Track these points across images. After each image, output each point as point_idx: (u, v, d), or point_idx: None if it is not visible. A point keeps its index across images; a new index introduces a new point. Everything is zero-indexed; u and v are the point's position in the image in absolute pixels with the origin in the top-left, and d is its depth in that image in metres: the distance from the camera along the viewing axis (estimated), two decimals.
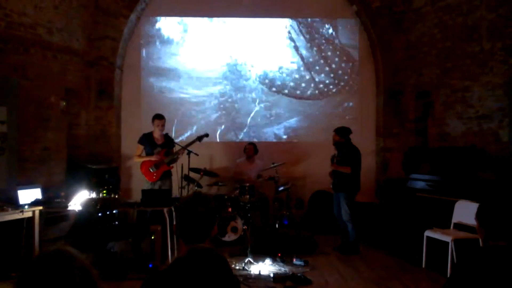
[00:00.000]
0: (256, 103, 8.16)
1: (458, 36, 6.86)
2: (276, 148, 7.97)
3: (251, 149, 7.34)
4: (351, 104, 8.17)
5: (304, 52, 8.16)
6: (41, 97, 6.39)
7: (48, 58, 6.48)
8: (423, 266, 5.45)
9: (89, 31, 7.25)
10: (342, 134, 6.31)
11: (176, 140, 6.79)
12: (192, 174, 6.64)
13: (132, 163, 7.51)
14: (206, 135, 6.43)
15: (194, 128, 7.89)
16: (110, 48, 7.50)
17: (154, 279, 1.81)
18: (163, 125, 6.24)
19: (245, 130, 8.11)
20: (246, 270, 5.25)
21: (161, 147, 6.23)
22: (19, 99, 6.05)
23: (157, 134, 6.28)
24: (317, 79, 8.15)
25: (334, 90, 8.17)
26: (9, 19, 5.87)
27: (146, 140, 6.28)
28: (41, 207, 5.31)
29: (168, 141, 6.36)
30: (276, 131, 8.15)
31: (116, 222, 5.72)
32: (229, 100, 8.14)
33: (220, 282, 1.47)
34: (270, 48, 8.16)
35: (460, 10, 6.81)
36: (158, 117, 6.25)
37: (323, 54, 8.15)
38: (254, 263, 5.41)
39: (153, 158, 6.12)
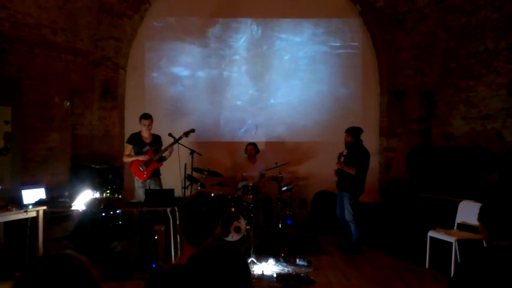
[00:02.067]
0: (259, 104, 8.17)
1: (462, 35, 6.84)
2: (279, 148, 7.96)
3: (252, 149, 7.35)
4: (354, 104, 8.15)
5: (307, 52, 8.15)
6: (45, 97, 6.41)
7: (52, 58, 6.50)
8: (427, 266, 5.44)
9: (93, 32, 7.26)
10: (354, 134, 6.27)
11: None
12: (196, 174, 6.65)
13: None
14: (193, 131, 6.45)
15: (197, 128, 7.87)
16: (114, 48, 7.53)
17: (167, 276, 1.82)
18: (149, 125, 6.28)
19: (248, 130, 8.10)
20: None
21: (150, 146, 6.28)
22: (23, 99, 6.07)
23: (145, 133, 6.33)
24: (320, 79, 8.14)
25: (337, 90, 8.15)
26: (14, 19, 5.88)
27: (134, 139, 6.35)
28: (45, 207, 5.34)
29: (157, 139, 6.40)
30: (280, 131, 8.15)
31: (120, 222, 5.73)
32: (232, 101, 8.14)
33: (238, 277, 1.49)
34: (272, 47, 8.16)
35: (464, 9, 6.79)
36: (144, 117, 6.30)
37: (326, 53, 8.14)
38: (257, 263, 5.41)
39: (140, 158, 6.17)
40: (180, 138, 6.29)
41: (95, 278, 1.32)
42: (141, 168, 6.16)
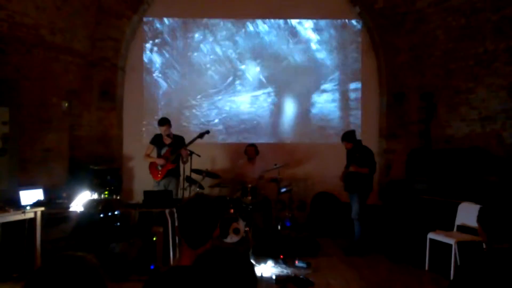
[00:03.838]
0: (259, 105, 8.13)
1: (462, 37, 6.83)
2: (279, 149, 7.93)
3: (252, 151, 7.30)
4: (353, 105, 8.13)
5: (305, 53, 8.13)
6: (43, 98, 6.40)
7: (50, 59, 6.49)
8: (426, 268, 5.42)
9: (91, 32, 7.24)
10: (352, 139, 6.30)
11: None
12: (194, 176, 6.64)
13: (134, 164, 7.65)
14: (207, 132, 6.51)
15: (196, 129, 7.84)
16: (112, 49, 7.51)
17: (165, 278, 1.79)
18: (166, 130, 6.40)
19: (247, 132, 8.07)
20: None
21: (168, 147, 6.38)
22: (21, 100, 6.06)
23: (164, 135, 6.45)
24: (319, 80, 8.12)
25: (336, 92, 8.13)
26: (11, 20, 5.87)
27: (156, 140, 6.52)
28: (42, 208, 5.31)
29: (178, 140, 6.47)
30: (279, 133, 8.13)
31: (118, 223, 5.70)
32: (232, 101, 8.12)
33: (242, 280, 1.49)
34: (271, 48, 8.13)
35: (463, 11, 6.77)
36: (159, 123, 6.45)
37: (325, 55, 8.12)
38: (256, 264, 5.38)
39: (157, 161, 6.35)
40: (195, 139, 6.37)
41: (104, 279, 1.37)
42: (158, 168, 6.33)
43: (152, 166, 6.39)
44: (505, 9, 6.25)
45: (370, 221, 6.64)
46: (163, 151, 6.39)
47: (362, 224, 6.16)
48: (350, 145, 6.28)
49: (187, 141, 6.47)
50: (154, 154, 6.53)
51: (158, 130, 6.57)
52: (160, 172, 6.31)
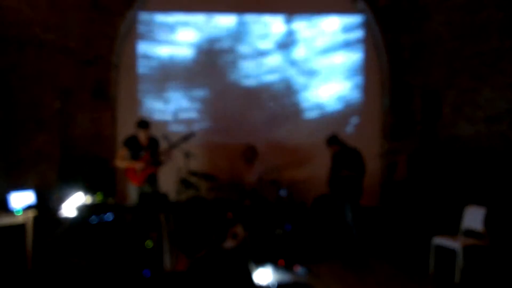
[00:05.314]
0: (259, 105, 8.03)
1: (467, 35, 6.75)
2: (278, 150, 7.83)
3: (249, 152, 7.17)
4: (356, 105, 8.03)
5: (307, 51, 8.02)
6: (35, 97, 6.42)
7: (43, 57, 6.50)
8: (430, 274, 5.34)
9: (85, 29, 7.14)
10: (337, 142, 6.28)
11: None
12: (191, 178, 6.51)
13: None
14: (193, 134, 6.28)
15: (194, 129, 7.73)
16: (106, 46, 7.39)
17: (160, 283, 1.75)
18: (146, 133, 6.04)
19: (246, 133, 7.94)
20: None
21: (146, 149, 6.05)
22: (13, 99, 6.06)
23: (142, 138, 6.08)
24: (320, 80, 8.02)
25: (339, 91, 8.02)
26: (3, 17, 5.83)
27: (131, 143, 6.08)
28: (34, 211, 5.26)
29: (154, 142, 6.17)
30: (279, 133, 8.01)
31: (111, 227, 5.59)
32: (230, 101, 7.99)
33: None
34: (270, 44, 8.02)
35: (468, 8, 6.70)
36: (141, 126, 6.03)
37: (327, 53, 8.01)
38: (255, 270, 5.27)
39: (137, 166, 5.94)
40: (179, 142, 6.11)
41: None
42: (137, 173, 5.99)
43: (130, 171, 6.00)
44: (510, 6, 6.17)
45: (371, 224, 6.58)
46: (141, 154, 6.03)
47: (358, 230, 6.08)
48: (337, 147, 6.26)
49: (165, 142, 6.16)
50: (128, 157, 6.11)
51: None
52: (140, 177, 5.98)
